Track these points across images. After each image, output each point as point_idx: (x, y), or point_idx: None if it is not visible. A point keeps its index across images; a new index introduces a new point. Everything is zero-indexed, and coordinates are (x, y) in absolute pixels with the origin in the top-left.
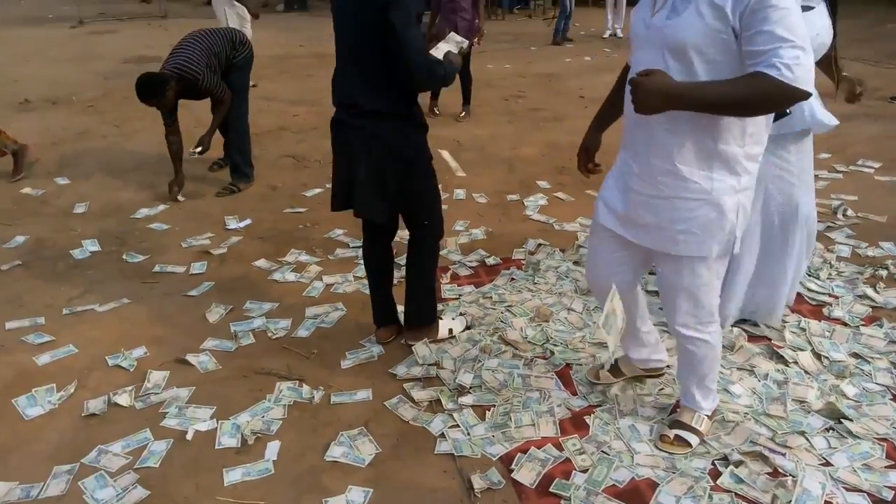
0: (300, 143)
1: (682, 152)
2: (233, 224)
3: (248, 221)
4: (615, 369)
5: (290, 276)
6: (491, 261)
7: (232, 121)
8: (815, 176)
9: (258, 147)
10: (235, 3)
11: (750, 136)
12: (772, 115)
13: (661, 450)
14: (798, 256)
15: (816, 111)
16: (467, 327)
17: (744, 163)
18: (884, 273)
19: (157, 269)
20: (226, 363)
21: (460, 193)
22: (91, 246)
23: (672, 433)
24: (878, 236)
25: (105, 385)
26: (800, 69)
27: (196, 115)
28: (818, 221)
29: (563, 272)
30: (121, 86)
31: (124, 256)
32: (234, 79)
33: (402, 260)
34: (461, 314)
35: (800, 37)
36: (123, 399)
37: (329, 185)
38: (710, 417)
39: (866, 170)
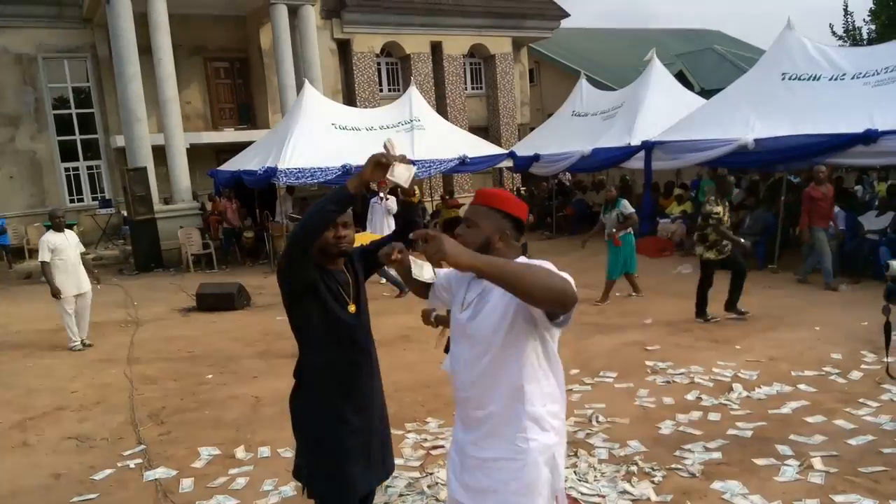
0: (83, 423)
1: (497, 423)
2: None
3: None
4: None
5: None
6: None
7: None
8: (569, 390)
9: (33, 432)
10: None
11: (548, 395)
12: (562, 376)
13: None
14: None
15: None
16: None
17: (549, 420)
18: (634, 469)
19: None
20: None
21: (265, 451)
22: None
23: None
24: (626, 436)
25: None
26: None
27: None
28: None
29: None
30: None
31: None
32: None
33: None
34: None
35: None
36: None
37: (120, 465)
38: None
39: (607, 379)
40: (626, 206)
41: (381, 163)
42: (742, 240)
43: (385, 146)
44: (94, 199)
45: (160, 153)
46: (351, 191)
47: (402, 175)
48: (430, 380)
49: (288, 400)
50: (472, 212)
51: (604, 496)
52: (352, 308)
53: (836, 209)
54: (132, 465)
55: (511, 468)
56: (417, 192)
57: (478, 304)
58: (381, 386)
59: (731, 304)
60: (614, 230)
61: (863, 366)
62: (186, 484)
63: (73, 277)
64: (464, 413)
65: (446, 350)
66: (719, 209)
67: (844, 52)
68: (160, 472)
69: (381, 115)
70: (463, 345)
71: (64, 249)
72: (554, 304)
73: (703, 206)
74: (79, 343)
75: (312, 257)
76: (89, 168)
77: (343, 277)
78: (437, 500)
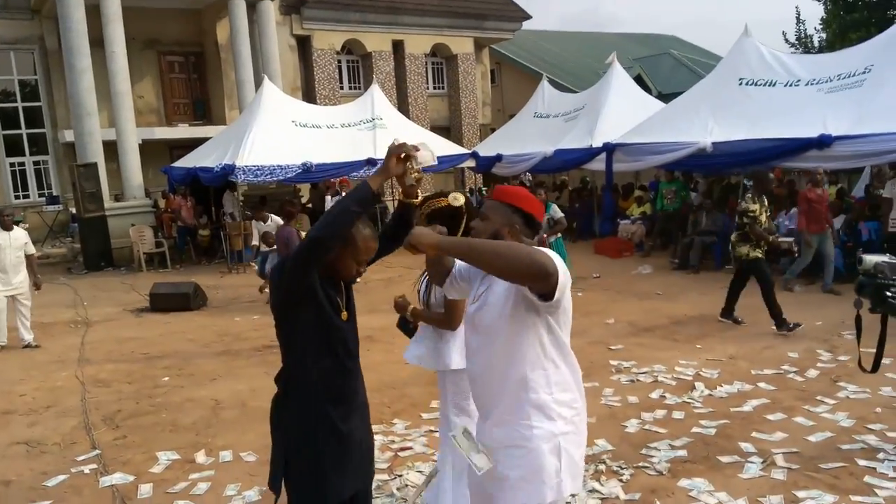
0: (33, 427)
1: (503, 409)
2: None
3: None
4: None
5: None
6: None
7: None
8: None
9: None
10: None
11: (556, 383)
12: (576, 367)
13: None
14: None
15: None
16: None
17: (556, 408)
18: (602, 467)
19: None
20: None
21: (226, 455)
22: None
23: None
24: (593, 435)
25: None
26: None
27: None
28: None
29: None
30: None
31: None
32: None
33: None
34: None
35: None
36: None
37: (74, 470)
38: None
39: None
40: (556, 211)
41: (401, 154)
42: (780, 239)
43: (395, 145)
44: (40, 195)
45: (111, 149)
46: (374, 189)
47: (427, 158)
48: (395, 380)
49: (270, 405)
50: (487, 206)
51: (574, 495)
52: (344, 315)
53: (793, 211)
54: (87, 471)
55: (516, 455)
56: (420, 195)
57: (485, 295)
58: (365, 392)
59: (775, 317)
60: (544, 234)
61: (819, 364)
62: (145, 490)
63: (3, 276)
64: (477, 403)
65: (405, 331)
66: (755, 207)
67: (798, 59)
68: (117, 478)
69: (343, 113)
70: (472, 336)
71: (3, 249)
72: (532, 279)
73: (740, 204)
74: (4, 340)
75: (322, 263)
76: (36, 163)
77: (335, 282)
78: (405, 500)
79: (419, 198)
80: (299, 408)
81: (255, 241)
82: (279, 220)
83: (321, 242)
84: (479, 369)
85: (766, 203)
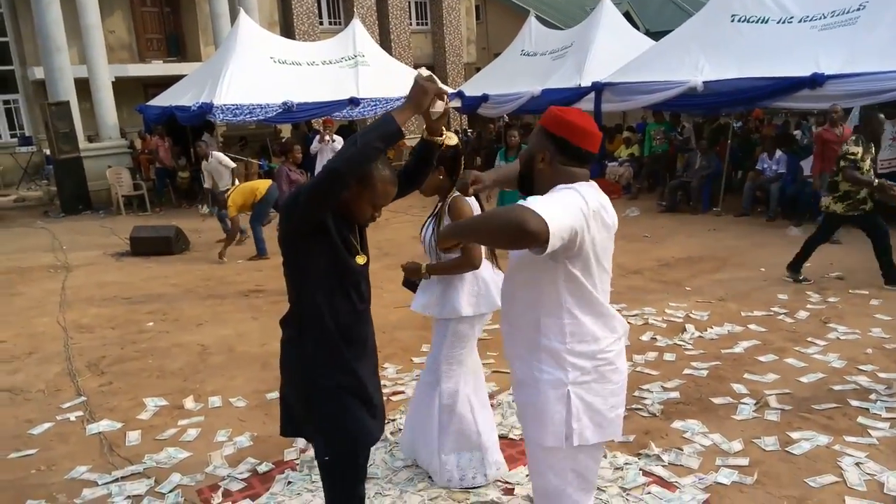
0: (15, 374)
1: (520, 343)
2: None
3: None
4: None
5: None
6: (263, 468)
7: None
8: None
9: None
10: None
11: (571, 333)
12: (608, 320)
13: None
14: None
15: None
16: None
17: (569, 358)
18: None
19: None
20: None
21: (215, 401)
22: None
23: None
24: None
25: None
26: (546, 211)
27: None
28: None
29: None
30: None
31: None
32: None
33: None
34: None
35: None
36: None
37: (59, 418)
38: None
39: None
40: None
41: (432, 91)
42: (878, 180)
43: (420, 74)
44: (12, 136)
45: (84, 87)
46: (400, 124)
47: (440, 107)
48: (384, 324)
49: (280, 345)
50: (534, 130)
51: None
52: (361, 259)
53: (779, 153)
54: (72, 419)
55: (527, 392)
56: (453, 136)
57: None
58: (375, 340)
59: (887, 276)
60: (478, 184)
61: (808, 305)
62: (133, 437)
63: None
64: (504, 336)
65: (412, 289)
66: (857, 150)
67: None
68: (104, 425)
69: (324, 49)
70: (505, 281)
71: None
72: (517, 241)
73: (843, 146)
74: None
75: (337, 199)
76: (6, 102)
77: (350, 223)
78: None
79: (443, 134)
80: (315, 345)
81: (206, 184)
82: (221, 156)
83: (340, 176)
84: (506, 308)
85: (871, 148)
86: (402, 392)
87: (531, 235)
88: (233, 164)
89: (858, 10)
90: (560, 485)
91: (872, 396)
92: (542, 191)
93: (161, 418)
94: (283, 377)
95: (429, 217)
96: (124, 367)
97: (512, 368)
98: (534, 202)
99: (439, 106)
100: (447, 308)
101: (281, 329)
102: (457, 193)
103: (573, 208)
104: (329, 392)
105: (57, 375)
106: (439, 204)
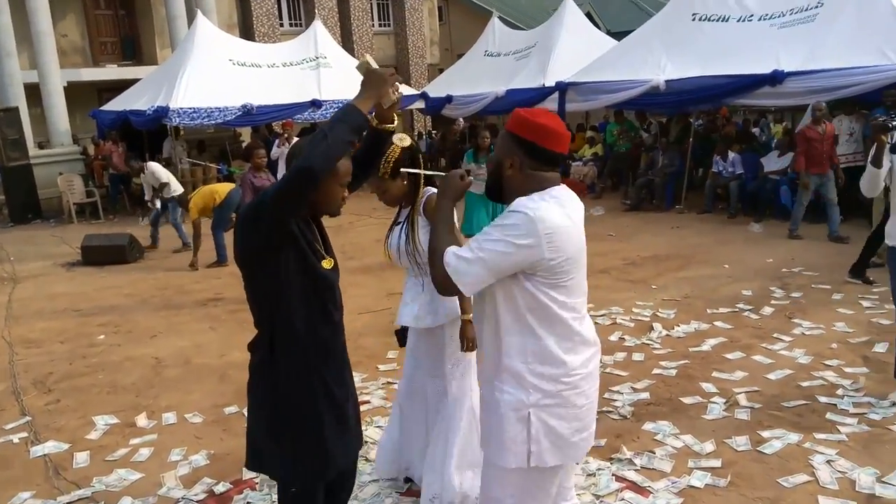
0: None
1: (487, 363)
2: None
3: None
4: None
5: None
6: (220, 488)
7: None
8: None
9: None
10: None
11: (532, 354)
12: (571, 343)
13: None
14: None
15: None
16: None
17: (531, 380)
18: None
19: None
20: None
21: (170, 417)
22: None
23: None
24: None
25: None
26: (462, 265)
27: None
28: None
29: None
30: None
31: None
32: None
33: None
34: None
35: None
36: None
37: (2, 440)
38: None
39: None
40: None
41: (391, 79)
42: None
43: (369, 63)
44: None
45: (34, 92)
46: (365, 113)
47: (395, 95)
48: (349, 331)
49: (249, 371)
50: (499, 135)
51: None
52: (328, 263)
53: (732, 155)
54: (16, 440)
55: (488, 410)
56: (397, 119)
57: None
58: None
59: (859, 268)
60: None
61: (773, 301)
62: (81, 458)
63: None
64: (478, 362)
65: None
66: None
67: None
68: (50, 447)
69: (284, 51)
70: (474, 302)
71: None
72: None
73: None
74: None
75: (309, 199)
76: None
77: (312, 227)
78: (367, 460)
79: (395, 122)
80: (290, 369)
81: (147, 196)
82: (156, 168)
83: (313, 175)
84: (477, 326)
85: None
86: (368, 402)
87: (447, 293)
88: (164, 179)
89: (817, 7)
90: (501, 497)
91: (839, 392)
92: (512, 198)
93: (111, 437)
94: (250, 404)
95: (393, 224)
96: (73, 383)
97: (480, 389)
98: (459, 257)
99: (393, 94)
100: (441, 313)
101: (249, 353)
102: (431, 191)
103: (503, 257)
104: (305, 421)
105: (0, 393)
106: (409, 209)
